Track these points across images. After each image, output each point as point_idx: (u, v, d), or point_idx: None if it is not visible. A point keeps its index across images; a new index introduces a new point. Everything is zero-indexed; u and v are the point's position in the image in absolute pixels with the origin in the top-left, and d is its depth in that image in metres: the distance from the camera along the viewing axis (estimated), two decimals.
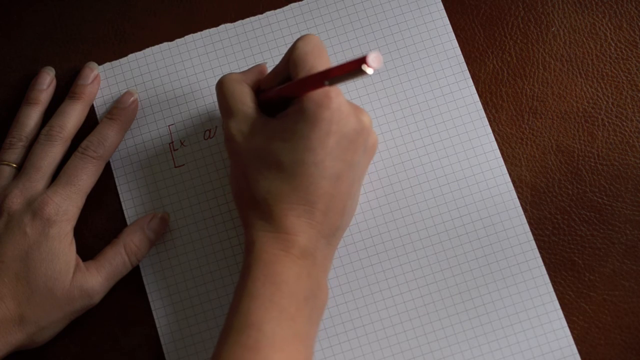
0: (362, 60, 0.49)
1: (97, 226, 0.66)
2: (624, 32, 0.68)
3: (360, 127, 0.57)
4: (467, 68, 0.67)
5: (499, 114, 0.67)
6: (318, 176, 0.56)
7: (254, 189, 0.57)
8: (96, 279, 0.62)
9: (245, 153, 0.58)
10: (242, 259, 0.63)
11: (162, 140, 0.67)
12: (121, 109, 0.66)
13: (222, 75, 0.68)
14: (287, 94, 0.58)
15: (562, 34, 0.68)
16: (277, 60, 0.68)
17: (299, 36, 0.68)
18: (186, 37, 0.69)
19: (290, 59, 0.58)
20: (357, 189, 0.60)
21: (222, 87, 0.60)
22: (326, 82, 0.53)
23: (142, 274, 0.65)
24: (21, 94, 0.68)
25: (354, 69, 0.50)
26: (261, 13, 0.69)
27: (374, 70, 0.49)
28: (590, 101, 0.67)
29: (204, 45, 0.68)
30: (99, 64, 0.68)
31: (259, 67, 0.63)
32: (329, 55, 0.68)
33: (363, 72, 0.49)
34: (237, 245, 0.65)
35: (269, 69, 0.63)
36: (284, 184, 0.56)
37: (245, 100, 0.59)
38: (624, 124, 0.66)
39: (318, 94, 0.56)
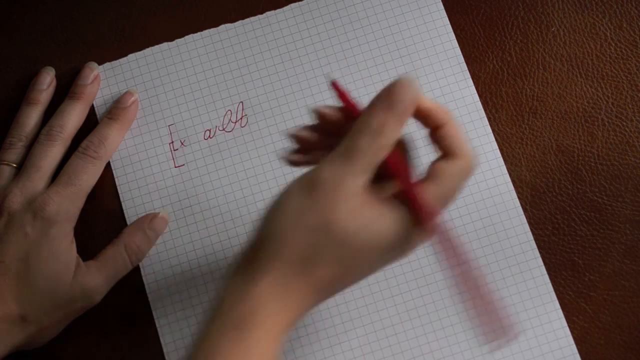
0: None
1: (97, 226, 0.66)
2: (624, 32, 0.68)
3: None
4: (467, 68, 0.67)
5: (499, 114, 0.67)
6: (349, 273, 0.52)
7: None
8: (97, 279, 0.62)
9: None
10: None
11: (162, 140, 0.67)
12: (121, 109, 0.66)
13: (221, 75, 0.68)
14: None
15: (562, 34, 0.68)
16: (276, 60, 0.68)
17: (298, 36, 0.68)
18: (186, 37, 0.69)
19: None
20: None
21: None
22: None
23: (142, 274, 0.65)
24: (21, 94, 0.68)
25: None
26: (261, 13, 0.69)
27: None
28: (590, 101, 0.66)
29: (204, 46, 0.68)
30: (99, 64, 0.68)
31: None
32: (328, 56, 0.68)
33: None
34: (237, 245, 0.65)
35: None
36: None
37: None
38: (624, 124, 0.66)
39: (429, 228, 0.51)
